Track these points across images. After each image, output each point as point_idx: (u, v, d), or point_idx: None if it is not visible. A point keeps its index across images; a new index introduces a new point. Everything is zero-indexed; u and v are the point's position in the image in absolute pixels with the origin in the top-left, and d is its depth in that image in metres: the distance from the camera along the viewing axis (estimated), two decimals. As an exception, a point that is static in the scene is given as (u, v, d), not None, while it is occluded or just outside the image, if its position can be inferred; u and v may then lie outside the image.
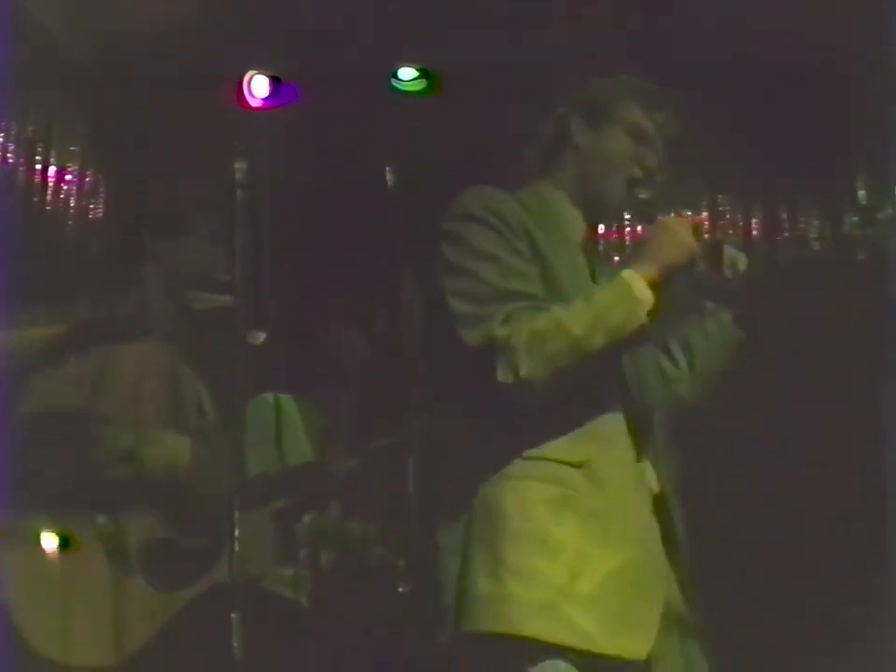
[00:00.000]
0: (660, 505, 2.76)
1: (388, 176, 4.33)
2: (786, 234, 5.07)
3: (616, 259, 4.34)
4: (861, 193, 4.72)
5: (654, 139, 2.91)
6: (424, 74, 4.72)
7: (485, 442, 2.68)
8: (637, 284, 2.64)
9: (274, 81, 4.36)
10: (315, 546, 4.03)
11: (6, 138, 4.52)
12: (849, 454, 4.18)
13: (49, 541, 3.23)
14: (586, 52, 4.41)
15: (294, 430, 4.10)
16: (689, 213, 5.21)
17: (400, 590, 4.24)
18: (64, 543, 3.24)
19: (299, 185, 4.60)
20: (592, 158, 2.91)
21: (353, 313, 4.69)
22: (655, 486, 2.77)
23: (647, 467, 2.77)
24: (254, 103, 4.31)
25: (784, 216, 5.11)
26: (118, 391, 3.45)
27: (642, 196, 2.85)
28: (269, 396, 4.05)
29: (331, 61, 4.53)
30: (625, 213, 2.79)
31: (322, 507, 4.05)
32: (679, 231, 2.70)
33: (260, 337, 3.50)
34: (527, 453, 2.65)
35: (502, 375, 2.57)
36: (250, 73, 4.31)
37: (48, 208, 4.67)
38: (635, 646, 2.58)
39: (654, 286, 2.64)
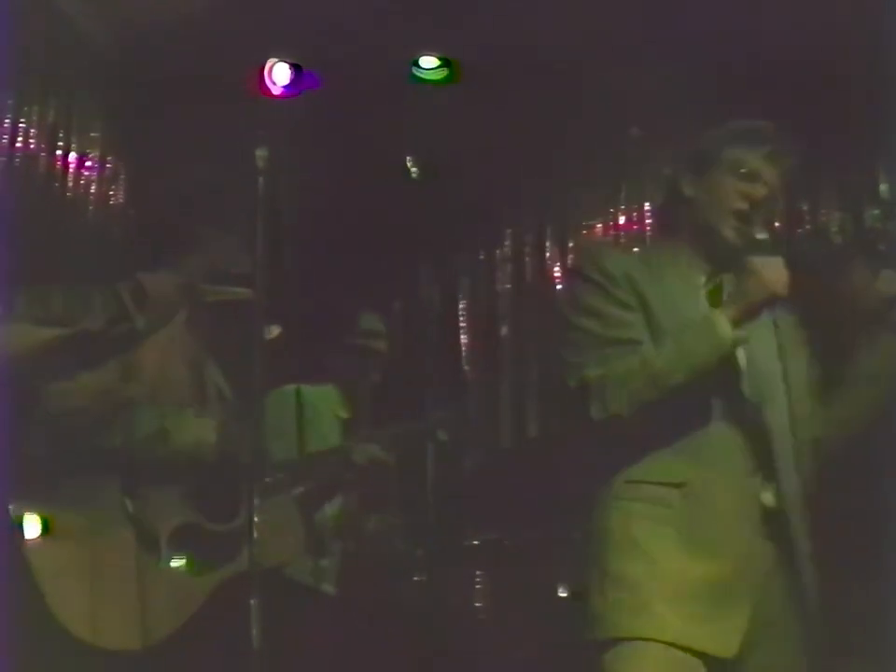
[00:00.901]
0: (774, 520, 2.94)
1: (409, 165, 4.33)
2: (807, 227, 5.06)
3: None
4: (883, 187, 4.71)
5: (761, 172, 3.03)
6: (445, 63, 4.72)
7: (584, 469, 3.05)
8: (720, 323, 2.88)
9: (295, 69, 4.36)
10: (335, 534, 4.04)
11: (27, 124, 4.52)
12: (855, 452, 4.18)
13: (32, 526, 3.24)
14: (606, 41, 4.41)
15: (318, 422, 4.10)
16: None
17: (416, 579, 4.25)
18: (45, 528, 3.26)
19: (319, 173, 4.60)
20: (702, 203, 3.09)
21: (372, 301, 4.68)
22: (771, 502, 2.95)
23: (757, 483, 2.95)
24: (275, 90, 4.31)
25: (805, 208, 5.10)
26: (145, 376, 3.46)
27: (759, 237, 2.98)
28: (290, 387, 4.06)
29: (353, 49, 4.52)
30: (744, 253, 2.92)
31: (343, 493, 4.06)
32: (764, 272, 2.89)
33: (275, 331, 3.51)
34: (631, 475, 2.95)
35: (594, 412, 2.91)
36: (271, 60, 4.30)
37: (68, 194, 4.67)
38: (720, 644, 2.82)
39: (739, 322, 2.89)
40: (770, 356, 3.01)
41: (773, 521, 2.94)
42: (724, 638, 2.83)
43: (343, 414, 4.25)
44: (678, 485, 2.92)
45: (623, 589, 2.87)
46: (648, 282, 3.01)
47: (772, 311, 2.97)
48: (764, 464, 2.95)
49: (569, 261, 5.48)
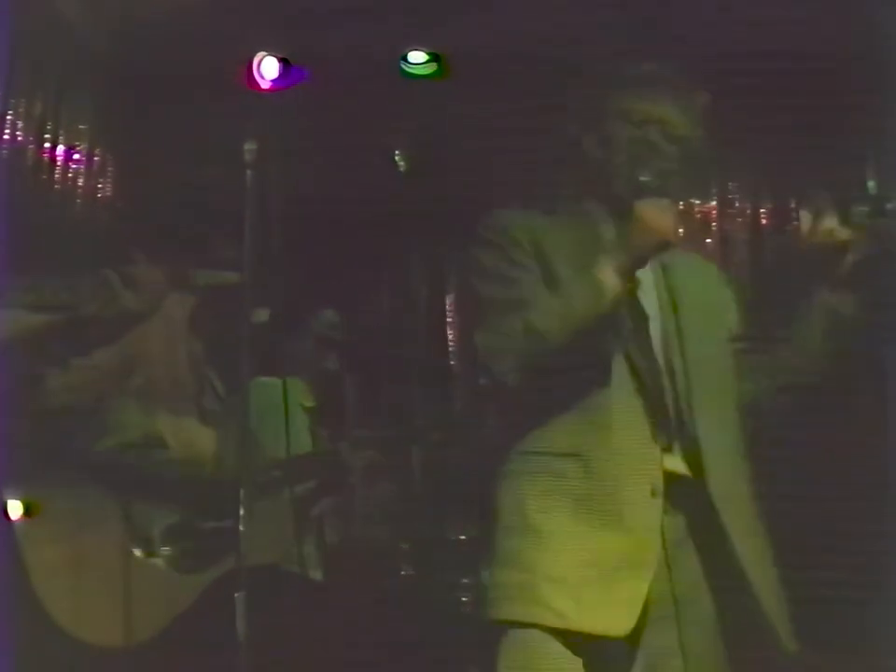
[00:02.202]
0: (685, 488, 2.82)
1: (397, 159, 4.33)
2: (794, 224, 5.06)
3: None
4: (871, 183, 4.71)
5: (657, 117, 2.95)
6: (434, 57, 4.71)
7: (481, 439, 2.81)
8: (603, 274, 2.73)
9: (284, 63, 4.35)
10: (323, 528, 4.05)
11: (14, 116, 4.51)
12: (858, 448, 4.18)
13: (15, 510, 3.24)
14: (596, 35, 4.41)
15: (294, 413, 4.10)
16: (697, 202, 5.21)
17: (403, 573, 4.26)
18: (27, 511, 3.26)
19: (307, 167, 4.59)
20: (601, 157, 2.99)
21: (359, 296, 4.68)
22: (681, 468, 2.82)
23: (658, 449, 2.81)
24: (264, 84, 4.31)
25: (793, 205, 5.10)
26: (140, 368, 3.47)
27: (642, 179, 2.87)
28: (275, 379, 4.05)
29: (341, 43, 4.52)
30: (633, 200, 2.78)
31: (333, 492, 4.06)
32: (649, 215, 2.75)
33: (264, 315, 3.51)
34: (521, 447, 2.83)
35: (481, 380, 2.84)
36: (260, 55, 4.30)
37: (56, 187, 4.67)
38: (615, 624, 2.70)
39: (625, 272, 2.74)
40: (652, 306, 2.90)
41: (683, 488, 2.82)
42: (616, 617, 2.69)
43: (308, 403, 4.23)
44: (572, 455, 2.78)
45: (511, 569, 2.77)
46: (556, 243, 2.89)
47: (662, 257, 2.85)
48: (671, 426, 2.83)
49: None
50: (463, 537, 4.54)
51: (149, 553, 3.35)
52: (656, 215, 2.76)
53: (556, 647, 2.72)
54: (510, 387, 2.78)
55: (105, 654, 3.23)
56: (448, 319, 5.67)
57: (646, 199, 2.79)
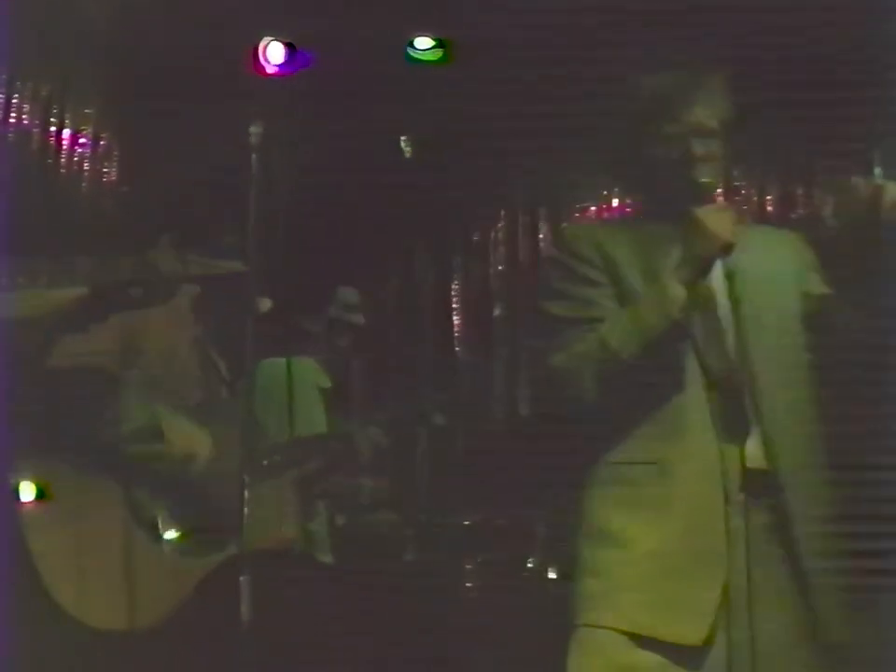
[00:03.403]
0: (761, 482, 2.80)
1: (403, 146, 4.33)
2: (801, 210, 5.06)
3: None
4: (878, 170, 4.70)
5: (697, 122, 2.90)
6: (440, 43, 4.71)
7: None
8: (670, 286, 2.76)
9: (290, 48, 4.35)
10: (328, 510, 4.05)
11: (20, 99, 4.51)
12: (855, 443, 4.18)
13: (27, 491, 3.25)
14: (603, 20, 4.40)
15: (306, 394, 4.10)
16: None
17: (407, 558, 4.26)
18: (40, 494, 3.26)
19: (313, 153, 4.59)
20: (655, 161, 2.94)
21: (365, 281, 4.68)
22: (760, 463, 2.80)
23: (734, 445, 2.80)
24: (269, 69, 4.31)
25: (799, 192, 5.10)
26: (143, 355, 3.47)
27: (702, 180, 2.86)
28: (280, 360, 4.05)
29: (347, 29, 4.51)
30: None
31: (338, 474, 4.07)
32: (708, 223, 2.76)
33: (267, 304, 3.51)
34: (610, 457, 2.86)
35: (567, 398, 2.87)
36: (266, 39, 4.30)
37: (62, 170, 4.67)
38: (688, 632, 2.71)
39: (692, 280, 2.77)
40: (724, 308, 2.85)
41: (759, 483, 2.80)
42: (690, 625, 2.71)
43: (324, 384, 4.23)
44: (650, 463, 2.81)
45: (591, 575, 2.81)
46: (626, 256, 2.89)
47: (726, 262, 2.80)
48: (745, 422, 2.81)
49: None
50: (467, 522, 4.55)
51: (153, 537, 3.35)
52: (716, 220, 2.77)
53: (631, 649, 2.73)
54: (588, 404, 2.84)
55: (109, 638, 3.23)
56: (454, 305, 5.68)
57: (705, 205, 2.80)
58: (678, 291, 2.75)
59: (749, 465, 2.81)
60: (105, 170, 4.81)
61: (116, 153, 4.82)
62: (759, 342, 2.87)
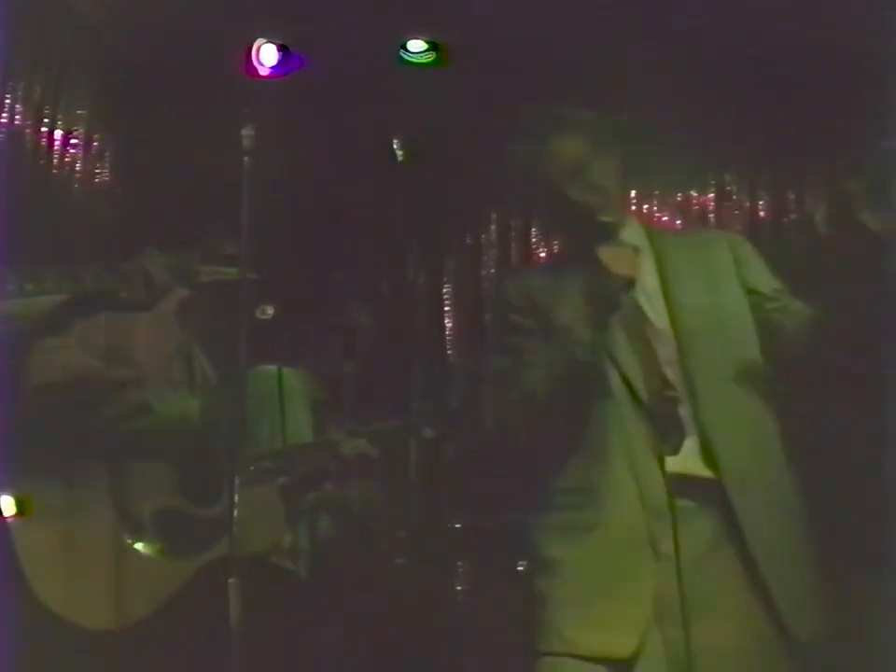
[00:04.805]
0: (702, 490, 2.88)
1: (395, 148, 4.32)
2: (793, 216, 5.06)
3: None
4: (871, 174, 4.69)
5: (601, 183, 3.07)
6: (433, 46, 4.70)
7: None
8: (576, 328, 2.92)
9: (283, 50, 4.35)
10: (316, 517, 4.04)
11: (13, 99, 4.50)
12: (853, 439, 4.18)
13: (7, 506, 3.24)
14: (597, 24, 4.40)
15: (295, 404, 4.09)
16: (695, 193, 5.20)
17: (398, 561, 4.25)
18: (20, 509, 3.26)
19: (306, 155, 4.59)
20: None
21: (358, 285, 4.68)
22: (698, 469, 2.88)
23: (656, 470, 2.88)
24: (262, 71, 4.30)
25: (791, 196, 5.09)
26: (128, 360, 3.46)
27: (603, 219, 3.03)
28: (272, 368, 4.04)
29: (341, 32, 4.51)
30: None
31: (326, 482, 4.05)
32: (607, 261, 2.91)
33: (269, 311, 3.51)
34: (550, 486, 3.00)
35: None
36: (259, 41, 4.29)
37: (54, 171, 4.66)
38: (618, 646, 2.78)
39: (600, 319, 2.92)
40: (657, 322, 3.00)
41: (700, 491, 2.87)
42: (619, 639, 2.78)
43: (319, 396, 4.23)
44: (581, 490, 2.93)
45: (538, 603, 2.92)
46: (552, 300, 3.04)
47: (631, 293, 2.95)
48: (680, 433, 2.91)
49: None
50: (458, 525, 4.54)
51: (138, 538, 3.34)
52: (614, 257, 2.91)
53: (574, 665, 2.81)
54: (523, 448, 3.05)
55: (92, 637, 3.22)
56: (446, 308, 5.67)
57: (605, 244, 2.94)
58: (582, 334, 2.89)
59: (685, 472, 2.88)
60: (97, 171, 4.80)
61: (108, 155, 4.81)
62: (695, 350, 2.97)
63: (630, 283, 2.91)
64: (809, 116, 4.60)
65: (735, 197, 5.18)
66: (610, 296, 2.91)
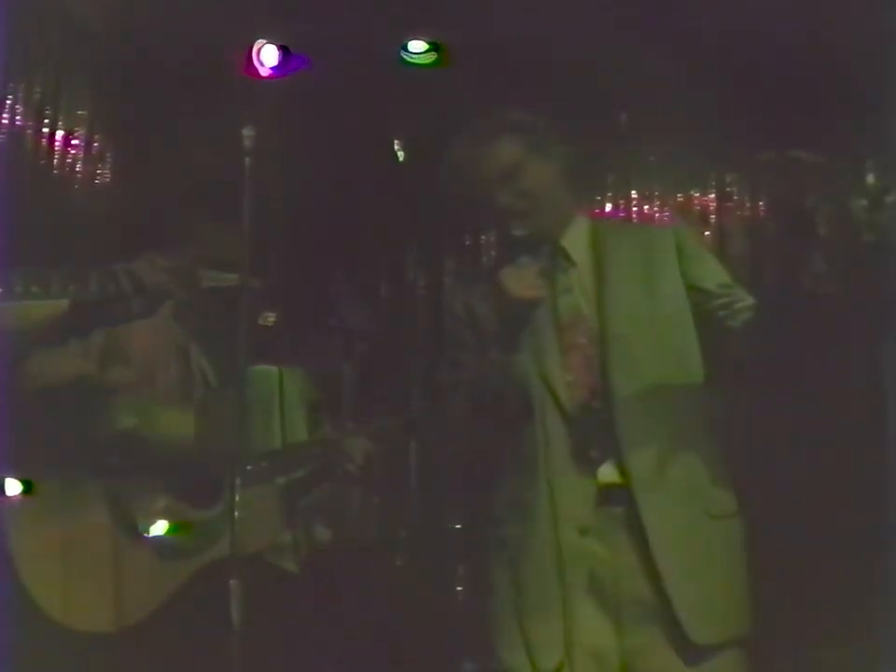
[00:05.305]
0: (615, 497, 2.89)
1: (396, 149, 4.32)
2: (793, 215, 5.05)
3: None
4: (870, 176, 4.70)
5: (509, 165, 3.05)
6: (434, 47, 4.70)
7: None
8: (491, 352, 2.96)
9: (284, 51, 4.35)
10: (314, 518, 4.03)
11: (13, 101, 4.50)
12: (852, 441, 4.19)
13: (13, 487, 3.24)
14: (596, 25, 4.41)
15: (294, 404, 4.09)
16: (696, 193, 5.20)
17: (398, 563, 4.26)
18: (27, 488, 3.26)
19: (306, 156, 4.59)
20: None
21: (358, 285, 4.67)
22: (615, 478, 2.89)
23: (582, 485, 2.90)
24: (263, 72, 4.30)
25: (791, 196, 5.08)
26: (126, 363, 3.46)
27: (516, 233, 3.03)
28: (272, 368, 4.04)
29: (342, 32, 4.51)
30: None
31: (325, 482, 4.05)
32: (508, 284, 2.90)
33: (270, 319, 3.51)
34: (494, 501, 3.05)
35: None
36: (260, 42, 4.29)
37: (54, 172, 4.66)
38: (541, 664, 2.83)
39: (511, 343, 2.95)
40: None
41: (614, 498, 2.89)
42: (542, 656, 2.82)
43: (317, 397, 4.22)
44: (513, 505, 2.95)
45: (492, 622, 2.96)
46: (487, 312, 3.03)
47: (540, 315, 2.94)
48: (604, 443, 2.91)
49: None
50: (458, 526, 4.54)
51: (135, 539, 3.34)
52: (516, 279, 2.89)
53: None
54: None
55: (85, 639, 3.22)
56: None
57: (506, 267, 2.92)
58: (493, 356, 2.90)
59: (605, 481, 2.90)
60: (97, 171, 4.80)
61: (109, 156, 4.81)
62: (621, 352, 2.96)
63: (533, 304, 2.89)
64: (811, 116, 4.60)
65: (735, 197, 5.18)
66: (515, 317, 2.91)
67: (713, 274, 3.08)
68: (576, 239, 3.11)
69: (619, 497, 2.88)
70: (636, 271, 3.04)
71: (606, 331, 2.97)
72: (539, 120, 3.12)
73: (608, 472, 2.90)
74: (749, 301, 2.98)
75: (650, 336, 2.97)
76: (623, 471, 2.88)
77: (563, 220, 3.11)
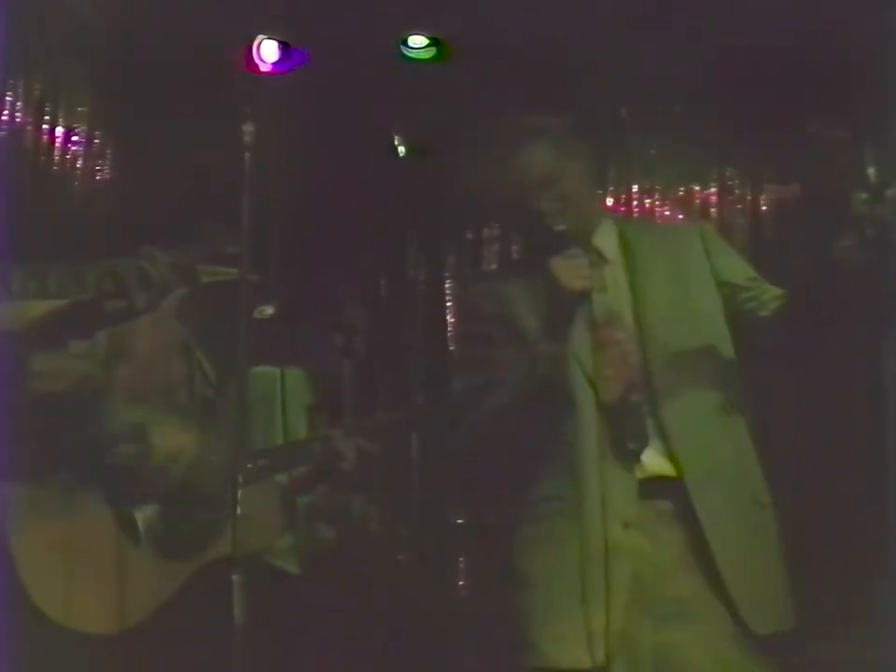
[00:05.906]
0: (665, 490, 2.89)
1: (396, 144, 4.32)
2: (794, 211, 5.06)
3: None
4: (871, 170, 4.69)
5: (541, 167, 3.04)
6: (433, 42, 4.70)
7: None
8: (535, 342, 2.94)
9: (284, 46, 4.35)
10: (315, 515, 4.03)
11: (13, 97, 4.50)
12: (853, 437, 4.19)
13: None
14: (597, 20, 4.41)
15: (294, 404, 4.08)
16: (697, 188, 5.20)
17: (401, 558, 4.26)
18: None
19: (306, 151, 4.59)
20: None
21: (357, 282, 4.68)
22: (665, 469, 2.89)
23: (624, 478, 2.89)
24: (263, 67, 4.30)
25: (794, 192, 5.09)
26: (130, 362, 3.45)
27: (557, 229, 2.98)
28: (273, 369, 4.04)
29: (341, 27, 4.51)
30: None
31: (325, 480, 4.05)
32: (559, 273, 2.89)
33: (267, 312, 3.51)
34: (525, 497, 3.00)
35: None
36: (260, 37, 4.29)
37: (55, 168, 4.66)
38: (583, 657, 2.80)
39: (558, 332, 2.93)
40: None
41: (663, 491, 2.90)
42: (585, 650, 2.80)
43: (308, 400, 4.22)
44: (555, 499, 2.93)
45: (520, 618, 2.94)
46: (524, 309, 3.03)
47: (586, 308, 2.92)
48: (643, 434, 2.91)
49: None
50: (460, 521, 4.55)
51: (134, 540, 3.34)
52: (566, 269, 2.89)
53: None
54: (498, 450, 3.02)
55: (86, 641, 3.22)
56: (447, 304, 5.67)
57: (558, 255, 2.90)
58: (542, 348, 2.89)
59: (653, 472, 2.90)
60: (97, 168, 4.80)
61: (109, 152, 4.81)
62: (658, 349, 2.98)
63: (582, 295, 2.89)
64: (812, 111, 4.60)
65: (737, 191, 5.18)
66: (566, 308, 2.91)
67: (741, 269, 3.13)
68: (606, 238, 3.12)
69: (662, 489, 2.90)
70: (666, 268, 3.08)
71: (642, 328, 2.99)
72: (565, 122, 3.11)
73: (654, 463, 2.91)
74: (777, 290, 3.02)
75: (685, 331, 3.01)
76: (674, 462, 2.90)
77: (594, 219, 3.12)
